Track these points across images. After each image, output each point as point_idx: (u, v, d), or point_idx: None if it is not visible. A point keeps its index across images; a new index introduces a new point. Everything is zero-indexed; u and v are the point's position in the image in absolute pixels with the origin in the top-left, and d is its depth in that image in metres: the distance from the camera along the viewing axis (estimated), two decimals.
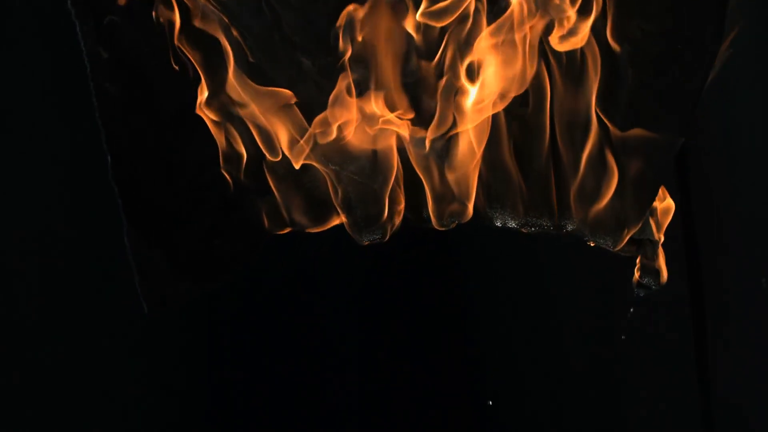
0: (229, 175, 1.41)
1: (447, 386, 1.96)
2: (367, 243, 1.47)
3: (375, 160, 1.43)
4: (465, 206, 1.46)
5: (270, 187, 1.44)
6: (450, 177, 1.46)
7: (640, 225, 1.46)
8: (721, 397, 1.84)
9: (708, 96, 1.66)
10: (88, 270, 1.68)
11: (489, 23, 1.37)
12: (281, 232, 1.49)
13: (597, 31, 1.39)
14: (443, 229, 1.48)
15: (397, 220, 1.48)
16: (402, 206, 1.48)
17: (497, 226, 1.49)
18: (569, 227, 1.48)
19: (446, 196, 1.46)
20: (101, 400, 1.72)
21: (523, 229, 1.49)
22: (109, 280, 1.67)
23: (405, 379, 1.93)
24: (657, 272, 1.49)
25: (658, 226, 1.49)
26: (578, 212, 1.46)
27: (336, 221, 1.49)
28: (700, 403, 1.86)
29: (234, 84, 1.35)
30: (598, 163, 1.44)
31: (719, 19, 1.34)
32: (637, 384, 1.89)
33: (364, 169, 1.43)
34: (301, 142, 1.40)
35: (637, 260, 1.50)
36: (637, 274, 1.50)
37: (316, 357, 1.91)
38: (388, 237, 1.47)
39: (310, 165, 1.43)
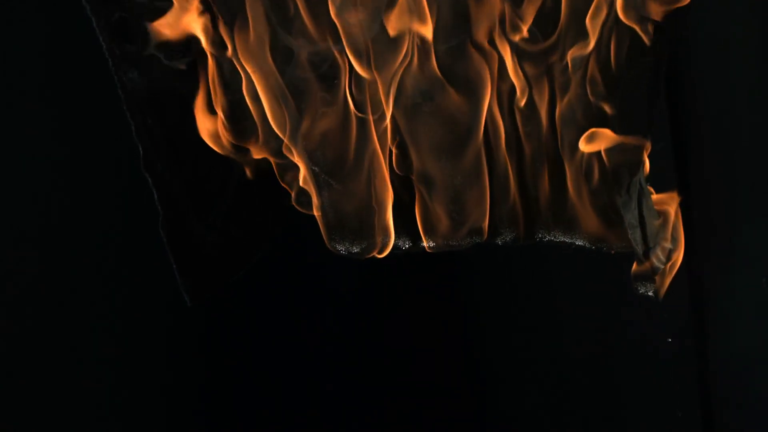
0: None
1: (446, 387, 1.96)
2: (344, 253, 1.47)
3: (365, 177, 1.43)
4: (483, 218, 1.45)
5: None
6: None
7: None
8: (721, 397, 1.85)
9: (708, 96, 1.67)
10: (88, 270, 1.66)
11: None
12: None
13: None
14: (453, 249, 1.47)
15: (384, 243, 1.46)
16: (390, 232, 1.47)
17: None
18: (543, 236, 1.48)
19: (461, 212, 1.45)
20: (98, 399, 1.70)
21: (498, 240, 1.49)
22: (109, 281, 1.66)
23: (405, 380, 1.93)
24: (651, 279, 1.48)
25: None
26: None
27: None
28: (701, 403, 1.87)
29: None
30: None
31: None
32: (637, 384, 1.90)
33: (346, 176, 1.42)
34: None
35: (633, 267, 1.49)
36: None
37: (317, 358, 1.91)
38: (368, 255, 1.47)
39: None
